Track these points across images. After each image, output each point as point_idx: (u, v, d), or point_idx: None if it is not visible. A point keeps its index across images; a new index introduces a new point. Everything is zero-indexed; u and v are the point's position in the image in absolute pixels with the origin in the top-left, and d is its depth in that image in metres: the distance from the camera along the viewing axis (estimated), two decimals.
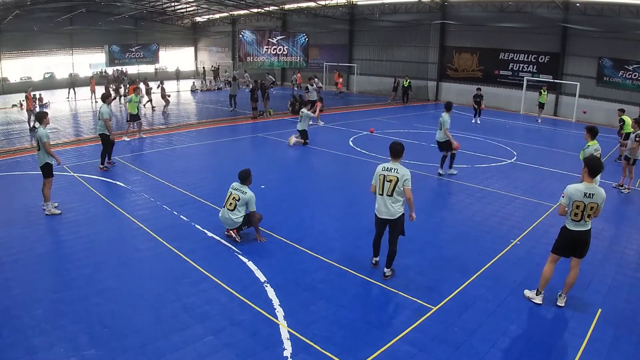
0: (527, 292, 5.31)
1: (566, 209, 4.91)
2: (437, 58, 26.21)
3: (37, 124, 7.64)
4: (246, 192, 6.45)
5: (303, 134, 13.35)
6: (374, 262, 5.89)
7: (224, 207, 6.60)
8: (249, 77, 30.52)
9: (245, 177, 6.60)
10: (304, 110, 13.51)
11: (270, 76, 29.42)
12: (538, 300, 5.15)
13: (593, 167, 4.82)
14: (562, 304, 5.12)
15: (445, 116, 9.91)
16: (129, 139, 13.68)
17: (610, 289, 5.57)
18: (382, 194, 5.40)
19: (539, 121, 20.04)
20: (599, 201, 4.80)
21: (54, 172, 7.63)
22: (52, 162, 7.50)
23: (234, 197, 6.48)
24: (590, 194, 4.77)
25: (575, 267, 5.07)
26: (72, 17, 32.12)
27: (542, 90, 20.25)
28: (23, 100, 22.68)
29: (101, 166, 10.28)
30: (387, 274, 5.60)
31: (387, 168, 5.40)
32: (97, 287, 5.24)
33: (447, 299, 5.17)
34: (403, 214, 5.44)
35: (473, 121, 18.93)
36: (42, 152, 7.39)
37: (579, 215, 4.83)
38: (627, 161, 9.80)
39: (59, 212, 7.50)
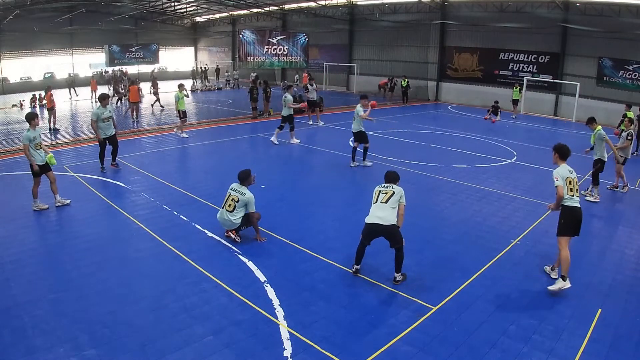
0: (555, 286, 5.29)
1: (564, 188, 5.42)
2: (437, 58, 26.20)
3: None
4: (245, 193, 6.42)
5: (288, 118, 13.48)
6: (354, 270, 5.67)
7: (222, 207, 6.58)
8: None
9: (244, 178, 6.56)
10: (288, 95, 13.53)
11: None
12: (568, 284, 5.27)
13: (563, 151, 5.59)
14: (556, 276, 5.57)
15: (358, 106, 10.70)
16: (186, 135, 14.27)
17: (610, 289, 5.56)
18: (376, 202, 5.53)
19: (513, 117, 20.52)
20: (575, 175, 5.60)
21: (54, 172, 7.73)
22: (38, 162, 7.47)
23: (232, 198, 6.45)
24: (570, 169, 5.53)
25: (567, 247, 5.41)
26: (72, 17, 32.13)
27: (515, 87, 20.75)
28: (23, 100, 22.84)
29: (112, 163, 10.27)
30: (397, 279, 5.48)
31: (385, 186, 5.68)
32: (97, 287, 5.24)
33: (447, 299, 5.17)
34: (395, 224, 5.38)
35: (497, 118, 19.67)
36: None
37: (573, 190, 5.43)
38: (616, 160, 9.51)
39: (43, 207, 7.60)
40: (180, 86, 14.51)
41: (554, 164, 5.70)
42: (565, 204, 5.42)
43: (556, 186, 5.41)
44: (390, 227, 5.33)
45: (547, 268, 5.88)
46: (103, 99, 10.10)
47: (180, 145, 13.28)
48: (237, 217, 6.42)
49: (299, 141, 13.59)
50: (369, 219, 5.47)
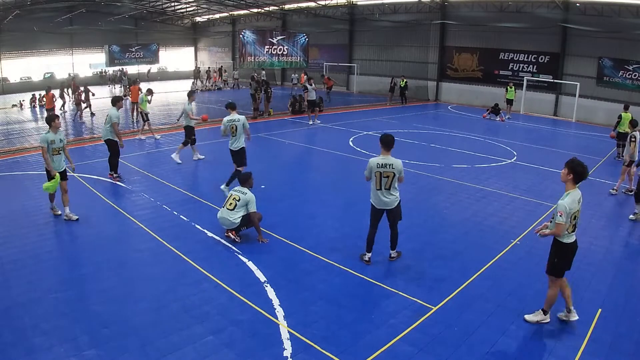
0: (533, 317, 4.78)
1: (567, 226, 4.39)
2: (437, 58, 26.17)
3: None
4: (246, 193, 6.53)
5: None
6: (367, 259, 5.93)
7: (223, 207, 6.63)
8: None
9: (244, 180, 6.72)
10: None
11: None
12: (548, 318, 4.74)
13: (581, 173, 4.39)
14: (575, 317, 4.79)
15: (238, 116, 8.52)
16: (144, 137, 14.11)
17: (610, 289, 5.56)
18: (380, 189, 5.62)
19: (508, 117, 20.21)
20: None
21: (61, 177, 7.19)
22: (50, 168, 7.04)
23: (234, 197, 6.52)
24: (580, 199, 4.46)
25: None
26: (72, 17, 32.15)
27: (508, 87, 20.64)
28: (23, 100, 22.83)
29: (114, 175, 9.40)
30: (392, 255, 5.91)
31: (382, 164, 5.55)
32: (97, 287, 5.24)
33: (447, 299, 5.17)
34: (399, 200, 5.75)
35: (498, 119, 19.85)
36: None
37: (575, 225, 4.50)
38: (627, 165, 9.34)
39: (59, 212, 7.43)
40: (149, 91, 14.78)
41: (564, 181, 4.55)
42: (563, 240, 4.45)
43: (557, 223, 4.30)
44: (396, 208, 5.72)
45: (562, 315, 4.84)
46: (118, 101, 9.49)
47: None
48: (236, 217, 6.43)
49: (203, 157, 11.59)
50: (377, 205, 5.73)
